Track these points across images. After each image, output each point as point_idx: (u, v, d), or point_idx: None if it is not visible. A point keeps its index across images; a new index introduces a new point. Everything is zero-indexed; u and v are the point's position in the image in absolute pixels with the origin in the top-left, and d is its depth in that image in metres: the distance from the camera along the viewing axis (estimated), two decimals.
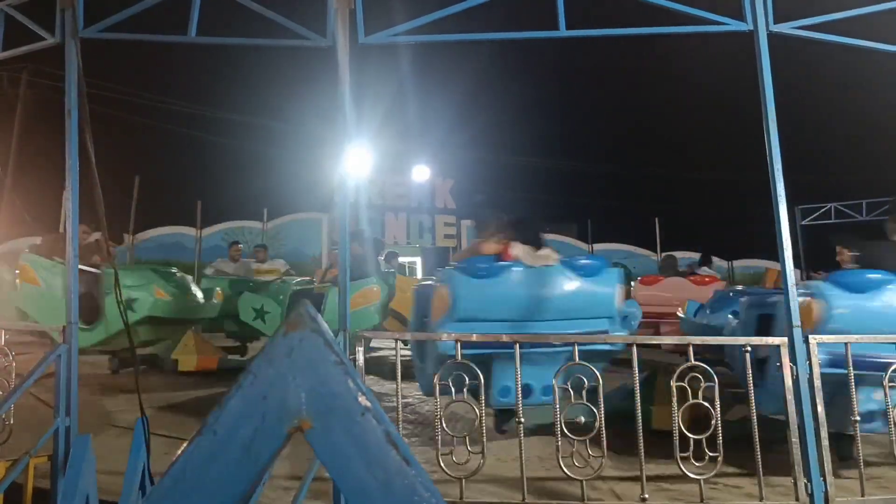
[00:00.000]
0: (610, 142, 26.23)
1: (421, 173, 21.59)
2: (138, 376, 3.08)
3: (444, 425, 3.55)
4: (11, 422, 3.74)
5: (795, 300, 3.56)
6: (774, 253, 3.62)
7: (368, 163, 17.71)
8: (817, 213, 16.05)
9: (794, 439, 3.43)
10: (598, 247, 19.13)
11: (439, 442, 3.53)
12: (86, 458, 2.20)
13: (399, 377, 3.74)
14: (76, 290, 3.76)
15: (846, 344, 3.75)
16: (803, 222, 16.08)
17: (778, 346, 3.58)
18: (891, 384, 3.65)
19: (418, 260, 21.15)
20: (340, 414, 0.72)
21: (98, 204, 3.35)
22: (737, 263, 19.58)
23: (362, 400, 0.72)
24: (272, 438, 0.73)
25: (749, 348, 3.66)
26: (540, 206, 23.51)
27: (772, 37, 3.72)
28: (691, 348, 3.62)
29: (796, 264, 5.63)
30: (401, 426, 3.61)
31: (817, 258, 14.36)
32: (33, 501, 3.47)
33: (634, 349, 3.67)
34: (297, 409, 0.75)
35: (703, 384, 3.52)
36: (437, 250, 20.49)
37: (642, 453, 3.47)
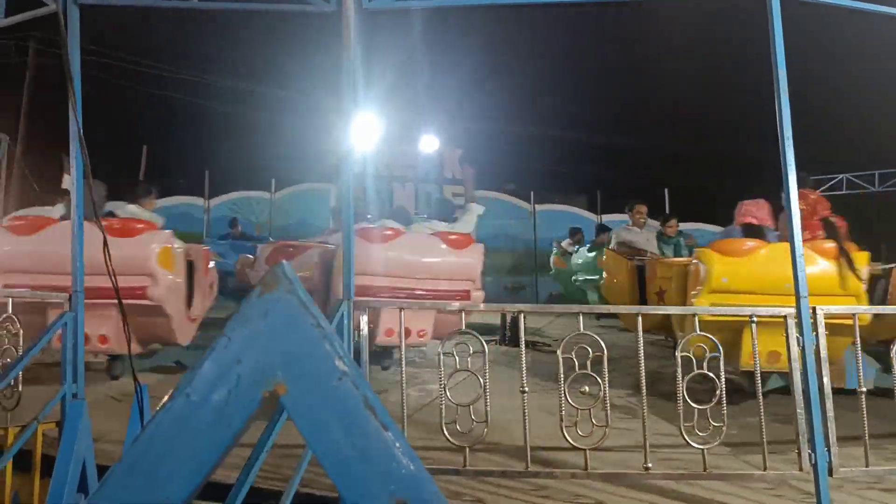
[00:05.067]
0: (620, 112, 25.97)
1: (429, 143, 21.44)
2: (130, 347, 3.09)
3: (448, 394, 3.55)
4: (20, 388, 3.76)
5: (804, 270, 3.53)
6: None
7: (376, 132, 17.61)
8: (829, 184, 15.86)
9: (800, 409, 3.42)
10: (606, 217, 18.95)
11: (443, 410, 3.54)
12: (81, 423, 2.22)
13: (403, 347, 3.74)
14: (81, 258, 3.76)
15: (854, 315, 3.74)
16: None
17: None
18: None
19: None
20: (317, 378, 0.70)
21: (87, 174, 3.34)
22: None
23: (340, 364, 0.70)
24: (246, 402, 0.71)
25: (756, 319, 3.65)
26: (549, 176, 23.37)
27: (784, 2, 3.64)
28: (696, 319, 3.60)
29: None
30: (405, 397, 3.61)
31: None
32: (42, 467, 3.52)
33: (640, 319, 3.66)
34: (272, 372, 0.73)
35: (707, 354, 3.51)
36: None
37: (645, 423, 3.48)
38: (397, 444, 0.67)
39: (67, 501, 1.89)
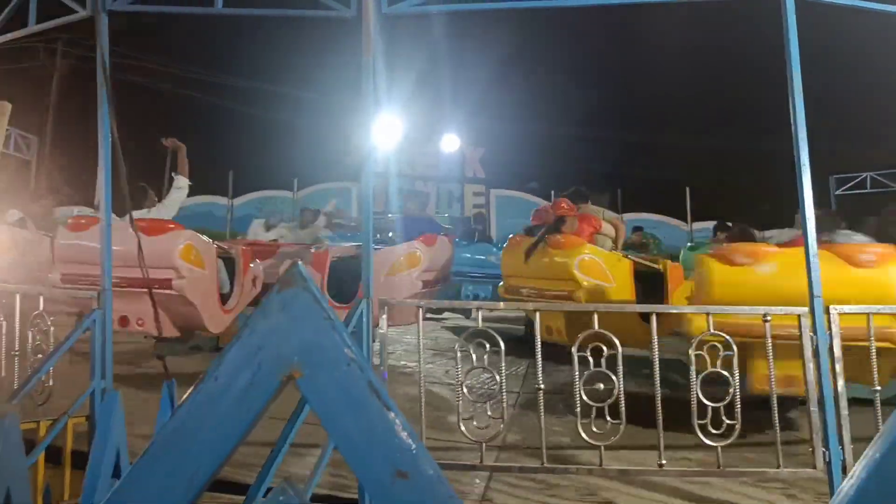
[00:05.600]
0: (641, 110, 25.87)
1: (450, 142, 21.57)
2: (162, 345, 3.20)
3: (465, 391, 3.61)
4: (51, 384, 3.88)
5: (818, 270, 3.55)
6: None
7: (397, 132, 17.74)
8: (852, 183, 15.70)
9: (814, 408, 3.45)
10: (628, 216, 18.92)
11: (460, 407, 3.60)
12: (115, 414, 2.34)
13: (421, 344, 3.81)
14: (110, 257, 3.88)
15: (868, 315, 3.76)
16: (837, 192, 15.72)
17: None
18: None
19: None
20: (328, 364, 0.80)
21: (121, 175, 3.45)
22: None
23: (348, 352, 0.80)
24: (267, 385, 0.81)
25: (769, 318, 3.68)
26: (570, 174, 23.33)
27: (799, 2, 3.65)
28: (710, 317, 3.64)
29: None
30: (423, 391, 3.68)
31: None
32: (72, 460, 3.66)
33: (654, 318, 3.70)
34: (289, 359, 0.82)
35: (721, 353, 3.54)
36: (466, 220, 20.49)
37: (660, 420, 3.51)
38: (398, 423, 0.77)
39: (103, 486, 2.00)
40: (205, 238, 6.90)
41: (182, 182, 7.10)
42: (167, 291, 6.12)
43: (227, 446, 0.79)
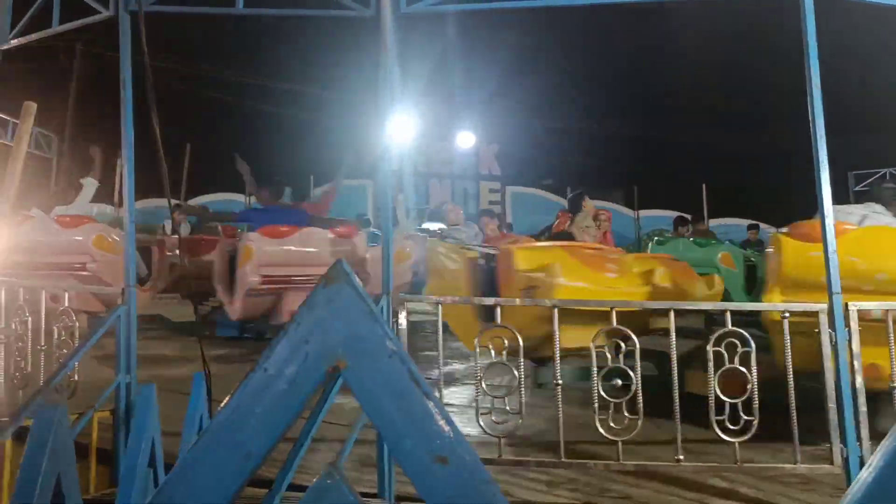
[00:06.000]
0: (657, 107, 25.74)
1: (465, 139, 21.60)
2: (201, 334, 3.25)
3: (484, 386, 3.64)
4: (76, 378, 3.95)
5: (836, 266, 3.55)
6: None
7: (413, 130, 17.79)
8: (871, 179, 15.56)
9: (831, 404, 3.45)
10: (644, 213, 18.94)
11: (478, 402, 3.64)
12: (150, 405, 2.42)
13: (441, 340, 3.85)
14: (133, 255, 3.95)
15: (887, 311, 3.75)
16: (856, 188, 15.61)
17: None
18: None
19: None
20: (371, 355, 0.87)
21: (163, 175, 3.51)
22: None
23: (390, 344, 0.86)
24: (313, 375, 0.88)
25: (787, 314, 3.68)
26: (586, 171, 23.28)
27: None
28: (728, 314, 3.65)
29: None
30: (442, 387, 3.72)
31: None
32: (97, 453, 3.74)
33: (672, 314, 3.71)
34: (334, 350, 0.88)
35: (739, 349, 3.55)
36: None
37: (678, 415, 3.53)
38: (437, 411, 0.82)
39: (140, 476, 2.08)
40: (117, 230, 8.21)
41: (89, 182, 8.65)
42: (84, 273, 7.69)
43: (278, 429, 0.87)
